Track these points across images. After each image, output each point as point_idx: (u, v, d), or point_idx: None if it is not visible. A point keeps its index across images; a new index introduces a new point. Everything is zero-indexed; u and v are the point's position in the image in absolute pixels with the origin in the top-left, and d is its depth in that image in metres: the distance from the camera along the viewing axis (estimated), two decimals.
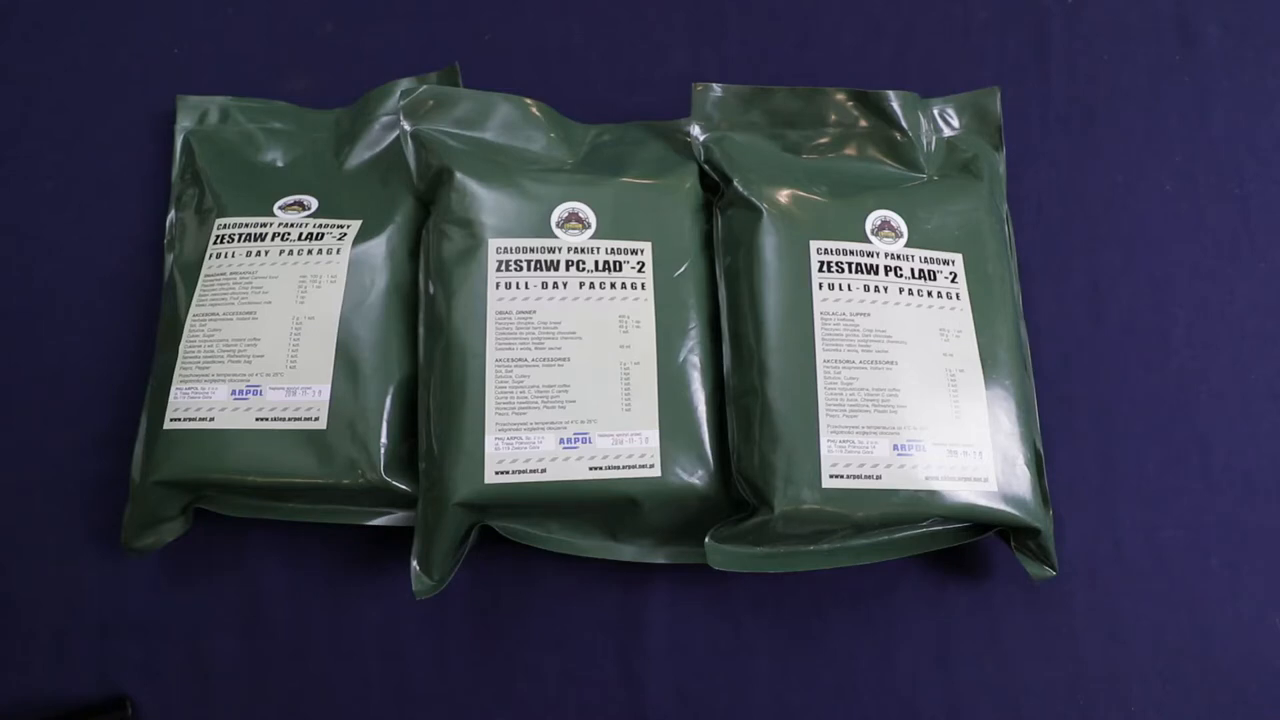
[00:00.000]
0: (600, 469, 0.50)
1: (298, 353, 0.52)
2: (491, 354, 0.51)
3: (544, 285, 0.52)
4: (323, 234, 0.54)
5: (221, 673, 0.54)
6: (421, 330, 0.53)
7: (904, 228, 0.54)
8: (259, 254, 0.54)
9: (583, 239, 0.53)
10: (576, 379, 0.51)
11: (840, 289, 0.52)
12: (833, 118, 0.58)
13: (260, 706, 0.54)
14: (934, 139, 0.59)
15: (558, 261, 0.53)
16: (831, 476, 0.49)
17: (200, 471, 0.50)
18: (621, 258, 0.53)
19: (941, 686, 0.54)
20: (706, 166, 0.57)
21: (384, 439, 0.51)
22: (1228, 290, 0.61)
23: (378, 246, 0.54)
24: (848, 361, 0.51)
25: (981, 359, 0.52)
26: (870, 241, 0.54)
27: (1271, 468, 0.58)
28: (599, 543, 0.53)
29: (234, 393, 0.51)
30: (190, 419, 0.51)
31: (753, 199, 0.54)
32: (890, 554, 0.52)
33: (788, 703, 0.54)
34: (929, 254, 0.54)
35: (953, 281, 0.54)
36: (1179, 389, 0.59)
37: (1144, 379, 0.59)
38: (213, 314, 0.53)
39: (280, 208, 0.56)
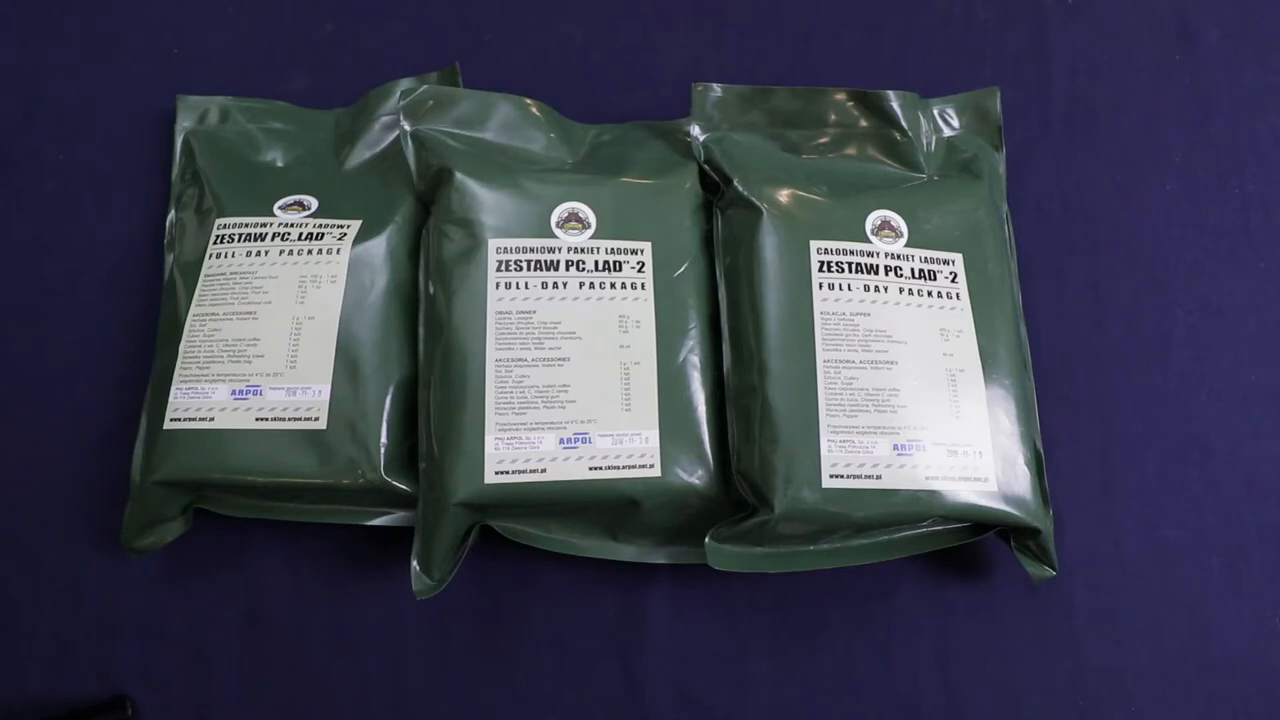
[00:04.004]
0: (600, 469, 0.50)
1: (298, 353, 0.52)
2: (491, 354, 0.51)
3: (544, 285, 0.52)
4: (323, 234, 0.54)
5: (221, 673, 0.54)
6: (421, 330, 0.53)
7: (904, 227, 0.54)
8: (259, 254, 0.54)
9: (583, 239, 0.53)
10: (576, 379, 0.51)
11: (840, 289, 0.52)
12: (833, 118, 0.58)
13: (260, 706, 0.54)
14: (934, 139, 0.59)
15: (558, 261, 0.53)
16: (831, 476, 0.49)
17: (200, 471, 0.50)
18: (621, 258, 0.53)
19: (941, 686, 0.54)
20: (706, 166, 0.57)
21: (384, 439, 0.51)
22: (1228, 290, 0.61)
23: (378, 246, 0.54)
24: (848, 361, 0.51)
25: (981, 359, 0.52)
26: (870, 241, 0.54)
27: (1271, 468, 0.58)
28: (599, 543, 0.53)
29: (234, 393, 0.51)
30: (190, 419, 0.51)
31: (753, 199, 0.54)
32: (890, 554, 0.52)
33: (788, 702, 0.54)
34: (929, 254, 0.54)
35: (953, 281, 0.54)
36: (1179, 389, 0.59)
37: (1144, 379, 0.59)
38: (213, 314, 0.53)
39: (280, 208, 0.56)
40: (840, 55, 0.66)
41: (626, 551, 0.53)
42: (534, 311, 0.52)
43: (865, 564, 0.52)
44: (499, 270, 0.52)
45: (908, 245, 0.54)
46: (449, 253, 0.52)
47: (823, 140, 0.58)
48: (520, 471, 0.49)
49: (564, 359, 0.51)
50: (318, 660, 0.54)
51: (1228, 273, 0.61)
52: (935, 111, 0.60)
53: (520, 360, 0.51)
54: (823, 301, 0.52)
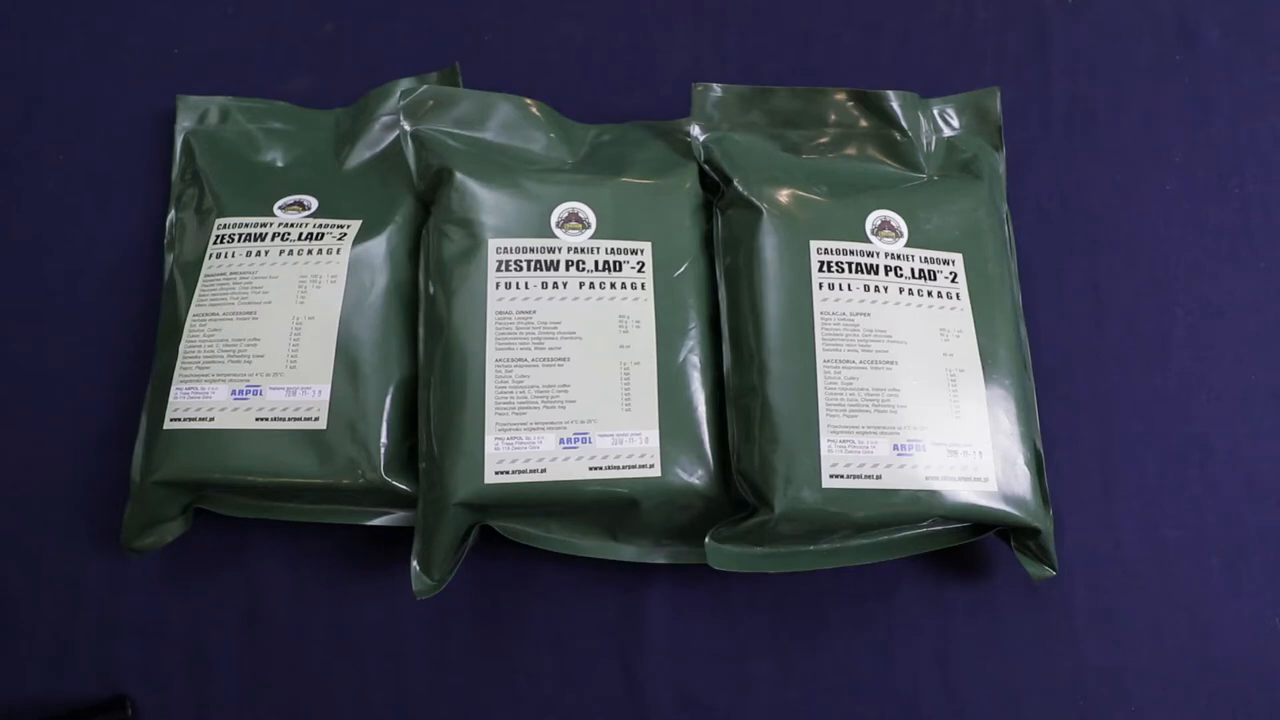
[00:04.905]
0: (600, 469, 0.50)
1: (298, 353, 0.52)
2: (491, 354, 0.51)
3: (544, 285, 0.52)
4: (323, 234, 0.54)
5: (221, 673, 0.54)
6: (421, 330, 0.53)
7: (904, 227, 0.54)
8: (259, 254, 0.54)
9: (583, 239, 0.53)
10: (576, 379, 0.51)
11: (840, 289, 0.52)
12: (833, 118, 0.58)
13: (260, 706, 0.54)
14: (934, 139, 0.59)
15: (558, 261, 0.53)
16: (831, 476, 0.49)
17: (200, 471, 0.50)
18: (621, 258, 0.53)
19: (941, 686, 0.54)
20: (706, 166, 0.57)
21: (384, 439, 0.51)
22: (1228, 290, 0.61)
23: (378, 246, 0.54)
24: (848, 361, 0.51)
25: (981, 359, 0.52)
26: (870, 241, 0.54)
27: (1271, 468, 0.58)
28: (599, 543, 0.53)
29: (234, 393, 0.51)
30: (190, 419, 0.51)
31: (753, 199, 0.54)
32: (890, 554, 0.52)
33: (788, 702, 0.54)
34: (929, 254, 0.54)
35: (953, 281, 0.54)
36: (1179, 389, 0.59)
37: (1144, 379, 0.59)
38: (213, 314, 0.53)
39: (280, 208, 0.56)
40: (840, 55, 0.66)
41: (626, 551, 0.53)
42: (534, 311, 0.52)
43: (865, 564, 0.52)
44: (499, 270, 0.52)
45: (908, 245, 0.54)
46: (449, 253, 0.52)
47: (823, 140, 0.58)
48: (520, 471, 0.49)
49: (564, 359, 0.51)
50: (318, 660, 0.54)
51: (1228, 273, 0.61)
52: (935, 111, 0.60)
53: (520, 360, 0.51)
54: (823, 301, 0.52)
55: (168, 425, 0.51)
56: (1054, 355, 0.59)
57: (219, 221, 0.55)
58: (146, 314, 0.59)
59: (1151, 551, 0.56)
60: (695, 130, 0.57)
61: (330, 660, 0.54)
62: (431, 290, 0.53)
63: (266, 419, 0.51)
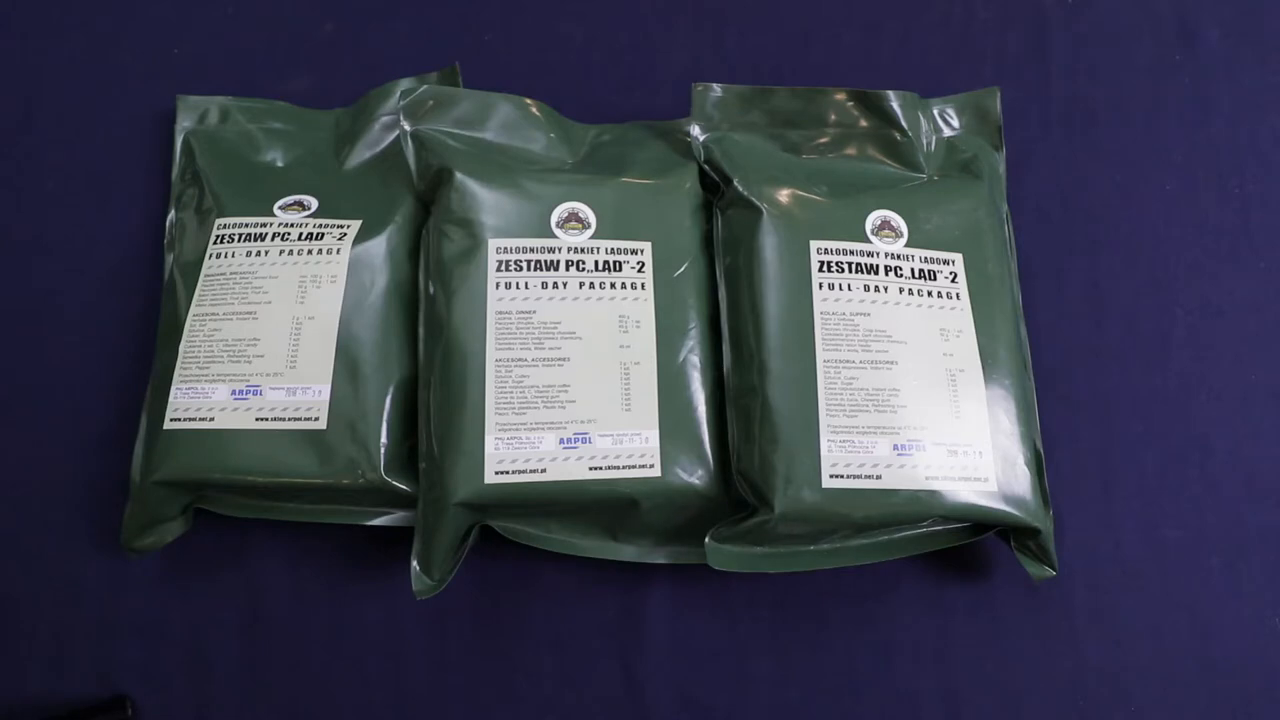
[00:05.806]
0: (600, 469, 0.50)
1: (298, 353, 0.52)
2: (491, 354, 0.51)
3: (544, 285, 0.52)
4: (323, 234, 0.54)
5: (221, 673, 0.54)
6: (421, 330, 0.53)
7: (904, 227, 0.54)
8: (259, 254, 0.54)
9: (583, 239, 0.53)
10: (576, 379, 0.51)
11: (840, 289, 0.52)
12: (833, 118, 0.58)
13: (260, 706, 0.54)
14: (934, 139, 0.59)
15: (558, 261, 0.53)
16: (831, 476, 0.49)
17: (200, 471, 0.50)
18: (621, 258, 0.53)
19: (942, 686, 0.54)
20: (706, 166, 0.57)
21: (384, 439, 0.51)
22: (1228, 290, 0.61)
23: (378, 246, 0.54)
24: (848, 361, 0.51)
25: (981, 359, 0.52)
26: (870, 241, 0.54)
27: (1271, 468, 0.58)
28: (599, 543, 0.53)
29: (234, 393, 0.51)
30: (190, 419, 0.51)
31: (753, 199, 0.54)
32: (890, 554, 0.52)
33: (788, 702, 0.54)
34: (929, 254, 0.54)
35: (953, 281, 0.54)
36: (1179, 389, 0.59)
37: (1144, 379, 0.59)
38: (213, 314, 0.53)
39: (280, 208, 0.56)
40: (840, 55, 0.66)
41: (626, 551, 0.53)
42: (534, 311, 0.52)
43: (865, 564, 0.52)
44: (499, 270, 0.52)
45: (908, 245, 0.54)
46: (449, 253, 0.52)
47: (823, 140, 0.58)
48: (520, 471, 0.49)
49: (564, 359, 0.51)
50: (318, 660, 0.54)
51: (1228, 273, 0.61)
52: (935, 111, 0.60)
53: (520, 360, 0.51)
54: (823, 301, 0.52)
55: (168, 425, 0.51)
56: (1054, 355, 0.59)
57: (219, 221, 0.55)
58: (146, 314, 0.59)
59: (1151, 551, 0.56)
60: (695, 130, 0.57)
61: (330, 660, 0.54)
62: (431, 290, 0.53)
63: (266, 419, 0.51)
